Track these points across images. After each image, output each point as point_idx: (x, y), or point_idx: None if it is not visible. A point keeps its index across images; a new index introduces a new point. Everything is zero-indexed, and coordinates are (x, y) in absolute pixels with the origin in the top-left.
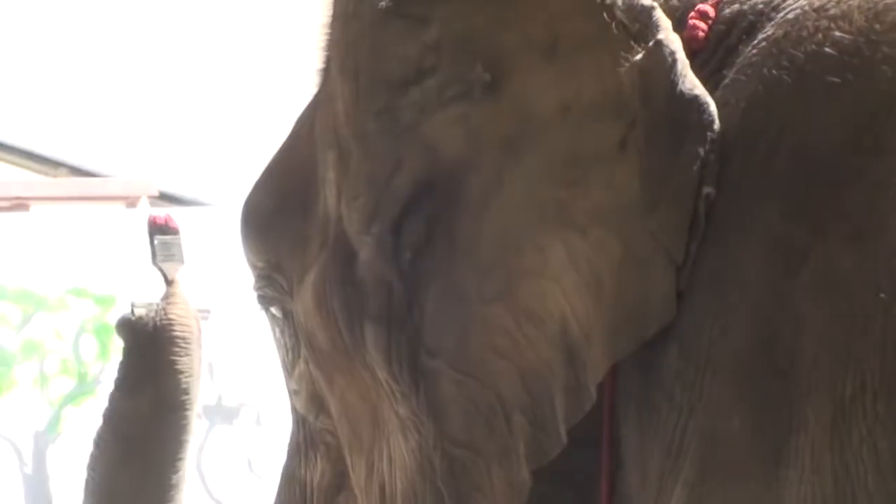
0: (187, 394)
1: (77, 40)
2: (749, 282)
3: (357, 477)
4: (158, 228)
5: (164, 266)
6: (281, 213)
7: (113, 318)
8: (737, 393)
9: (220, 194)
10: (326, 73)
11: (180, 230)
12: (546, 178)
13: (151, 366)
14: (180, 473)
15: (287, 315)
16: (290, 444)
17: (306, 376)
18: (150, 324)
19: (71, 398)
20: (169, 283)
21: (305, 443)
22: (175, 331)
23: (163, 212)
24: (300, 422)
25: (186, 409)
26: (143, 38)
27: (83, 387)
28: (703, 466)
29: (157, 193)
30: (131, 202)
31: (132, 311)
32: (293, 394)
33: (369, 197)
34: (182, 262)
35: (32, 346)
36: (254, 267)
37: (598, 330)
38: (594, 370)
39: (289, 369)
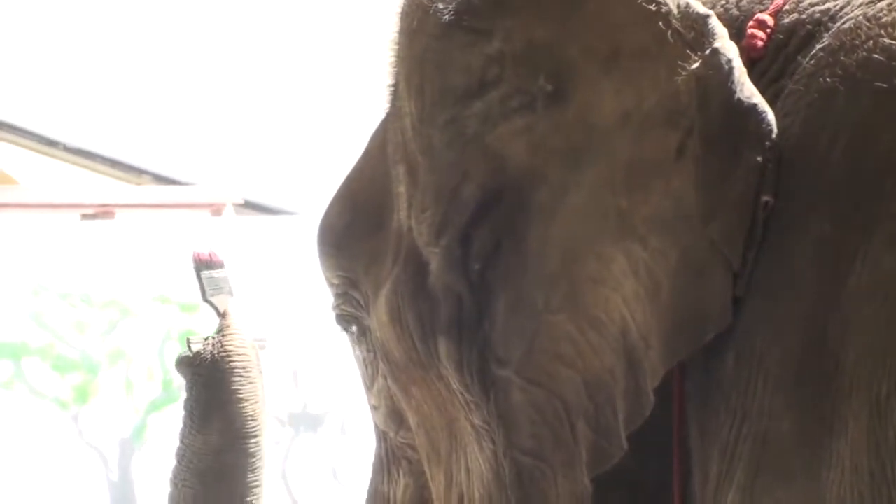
0: (255, 420)
1: (164, 50)
2: (801, 288)
3: (437, 488)
4: (204, 264)
5: (215, 300)
6: (355, 230)
7: (198, 326)
8: (787, 397)
9: (304, 203)
10: (395, 88)
11: (225, 264)
12: (608, 186)
13: (216, 398)
14: (259, 501)
15: (364, 331)
16: (374, 460)
17: (385, 391)
18: (209, 357)
19: (156, 405)
20: (221, 315)
21: (387, 458)
22: (234, 361)
23: (206, 248)
24: (382, 437)
25: (256, 436)
26: (230, 48)
27: (168, 394)
28: (754, 469)
29: (242, 201)
30: (216, 210)
31: (189, 348)
32: (373, 410)
33: (437, 209)
34: (231, 295)
35: (118, 353)
36: (331, 284)
37: (657, 335)
38: (653, 375)
39: (368, 385)
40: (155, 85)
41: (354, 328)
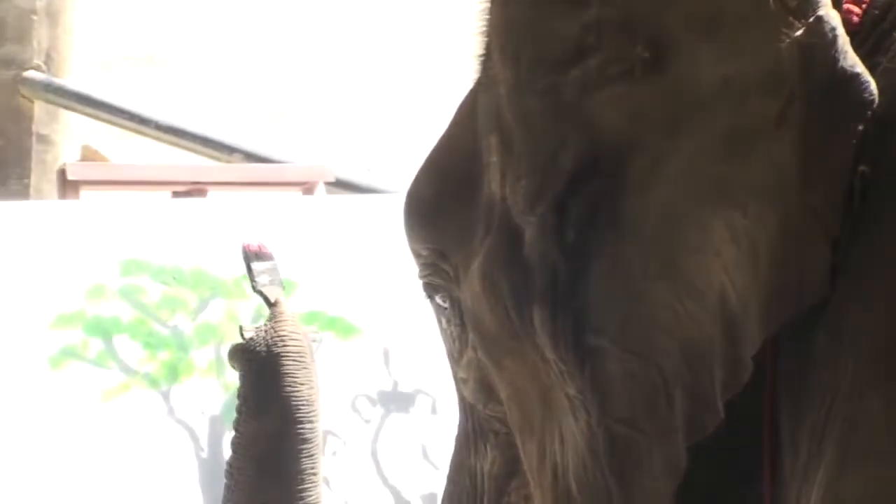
0: (310, 405)
1: (256, 28)
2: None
3: (529, 461)
4: (254, 255)
5: (265, 290)
6: (444, 201)
7: (291, 303)
8: (876, 376)
9: (396, 182)
10: (486, 57)
11: (274, 256)
12: (707, 154)
13: (270, 384)
14: (316, 488)
15: (454, 303)
16: (459, 434)
17: (474, 364)
18: (262, 344)
19: None
20: (273, 304)
21: (474, 432)
22: (288, 346)
23: (255, 240)
24: (468, 411)
25: (312, 422)
26: (322, 24)
27: None
28: (843, 450)
29: (333, 179)
30: (308, 188)
31: (242, 336)
32: (461, 382)
33: (533, 178)
34: (281, 286)
35: (209, 331)
36: (418, 255)
37: (756, 303)
38: (751, 343)
39: (455, 358)
40: (247, 62)
41: (442, 299)
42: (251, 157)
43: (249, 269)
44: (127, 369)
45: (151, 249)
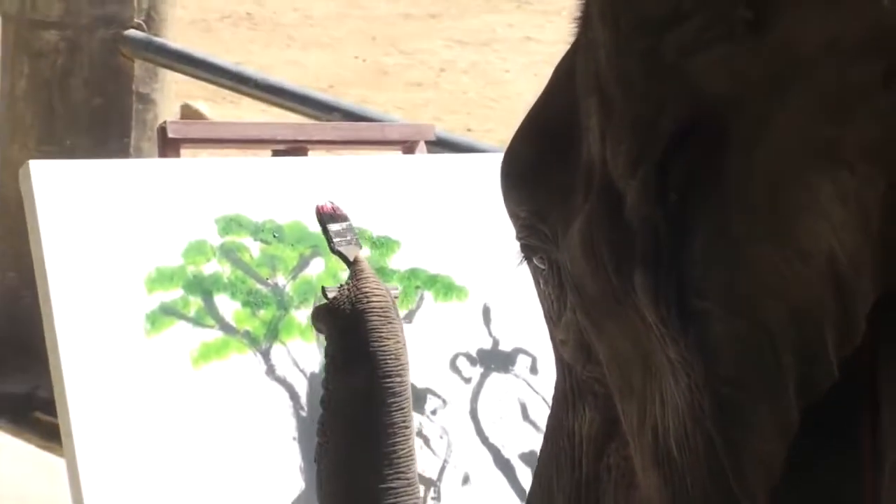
0: (398, 360)
1: None
2: None
3: (629, 422)
4: (329, 217)
5: (343, 250)
6: (543, 163)
7: (390, 263)
8: None
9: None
10: (585, 20)
11: (348, 217)
12: (813, 114)
13: (357, 342)
14: (409, 441)
15: (552, 264)
16: (556, 395)
17: (573, 325)
18: (346, 302)
19: None
20: (352, 263)
21: (573, 393)
22: (372, 301)
23: (328, 201)
24: (566, 372)
25: (400, 375)
26: None
27: None
28: None
29: (434, 138)
30: (409, 147)
31: (324, 296)
32: (560, 344)
33: (633, 141)
34: (359, 245)
35: (309, 289)
36: (515, 217)
37: (866, 262)
38: (863, 301)
39: (554, 319)
40: (345, 21)
41: (540, 261)
42: (351, 116)
43: (325, 231)
44: (227, 327)
45: (251, 207)
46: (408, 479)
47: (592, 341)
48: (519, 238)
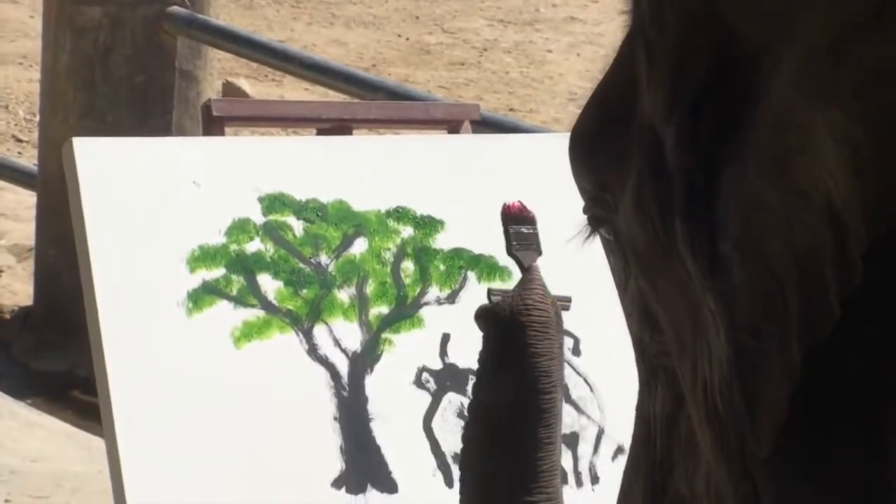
0: (549, 377)
1: None
2: None
3: (684, 381)
4: (514, 218)
5: (521, 255)
6: (607, 132)
7: (434, 242)
8: None
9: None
10: None
11: (536, 219)
12: (813, 52)
13: (510, 352)
14: (553, 458)
15: (616, 234)
16: (639, 378)
17: (637, 294)
18: (507, 310)
19: (389, 322)
20: (526, 270)
21: (647, 374)
22: (532, 315)
23: (516, 201)
24: (640, 351)
25: (549, 393)
26: None
27: (401, 311)
28: None
29: (479, 118)
30: (454, 127)
31: (489, 299)
32: (628, 316)
33: (669, 86)
34: (539, 253)
35: (352, 269)
36: (583, 190)
37: (861, 204)
38: (859, 243)
39: (622, 290)
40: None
41: (606, 231)
42: (395, 95)
43: (507, 232)
44: (269, 307)
45: (295, 186)
46: (548, 493)
47: (653, 306)
48: (586, 210)
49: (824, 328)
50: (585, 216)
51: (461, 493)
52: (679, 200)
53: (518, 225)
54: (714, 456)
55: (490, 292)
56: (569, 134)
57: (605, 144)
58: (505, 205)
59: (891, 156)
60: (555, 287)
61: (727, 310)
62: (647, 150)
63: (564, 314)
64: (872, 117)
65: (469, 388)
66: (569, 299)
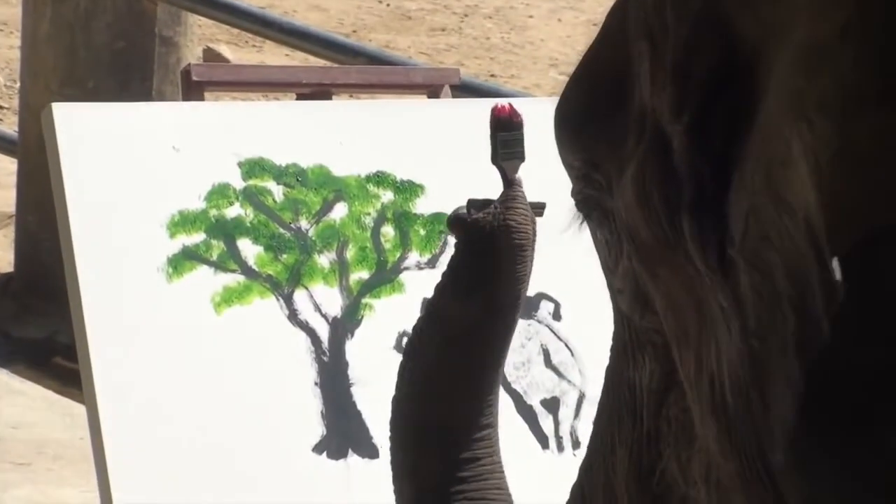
0: (517, 299)
1: None
2: None
3: (686, 371)
4: (502, 124)
5: (506, 164)
6: (597, 110)
7: (414, 207)
8: None
9: (520, 86)
10: None
11: (523, 124)
12: (793, 65)
13: (485, 271)
14: (497, 385)
15: (607, 213)
16: (615, 346)
17: (630, 274)
18: (487, 228)
19: (369, 287)
20: (509, 183)
21: (632, 343)
22: (513, 237)
23: (506, 104)
24: (625, 323)
25: (514, 314)
26: None
27: (382, 276)
28: None
29: (458, 82)
30: (433, 92)
31: (468, 212)
32: (617, 293)
33: (676, 86)
34: (523, 159)
35: (332, 233)
36: (570, 167)
37: (825, 224)
38: (830, 262)
39: (612, 268)
40: None
41: (596, 213)
42: (375, 61)
43: (494, 139)
44: (249, 272)
45: (275, 151)
46: (493, 413)
47: (649, 289)
48: (575, 191)
49: (815, 345)
50: (574, 198)
51: (401, 386)
52: (689, 201)
53: (506, 132)
54: (721, 450)
55: (470, 204)
56: (550, 101)
57: (596, 122)
58: (494, 108)
59: (848, 180)
60: (537, 254)
61: (739, 312)
62: (650, 144)
63: (545, 278)
64: (835, 138)
65: None
66: (543, 205)
